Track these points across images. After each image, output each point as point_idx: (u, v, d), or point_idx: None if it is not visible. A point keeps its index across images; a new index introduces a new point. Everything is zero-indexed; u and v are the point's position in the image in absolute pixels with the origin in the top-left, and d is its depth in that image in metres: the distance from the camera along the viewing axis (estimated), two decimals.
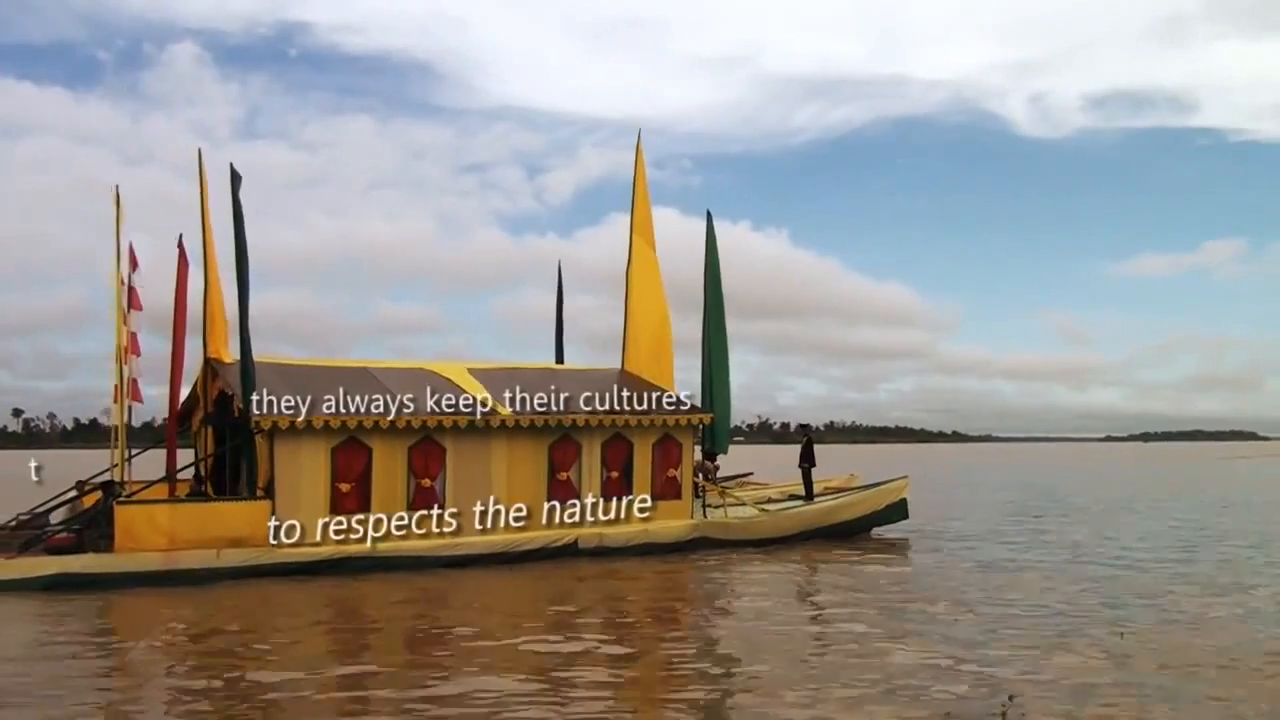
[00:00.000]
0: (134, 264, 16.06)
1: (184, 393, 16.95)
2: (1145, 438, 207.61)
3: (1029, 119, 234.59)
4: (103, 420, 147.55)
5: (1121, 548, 17.15)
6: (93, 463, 18.52)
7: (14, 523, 17.28)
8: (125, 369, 15.79)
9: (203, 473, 16.64)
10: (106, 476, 17.44)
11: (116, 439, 16.31)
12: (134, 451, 17.16)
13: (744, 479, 21.88)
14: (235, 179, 14.41)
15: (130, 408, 16.10)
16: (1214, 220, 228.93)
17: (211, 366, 16.01)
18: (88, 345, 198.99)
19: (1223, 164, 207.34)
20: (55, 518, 17.02)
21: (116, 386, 16.39)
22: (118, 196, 16.08)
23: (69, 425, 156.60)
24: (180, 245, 17.02)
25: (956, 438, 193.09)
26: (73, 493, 17.18)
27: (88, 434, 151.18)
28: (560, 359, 20.36)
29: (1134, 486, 38.42)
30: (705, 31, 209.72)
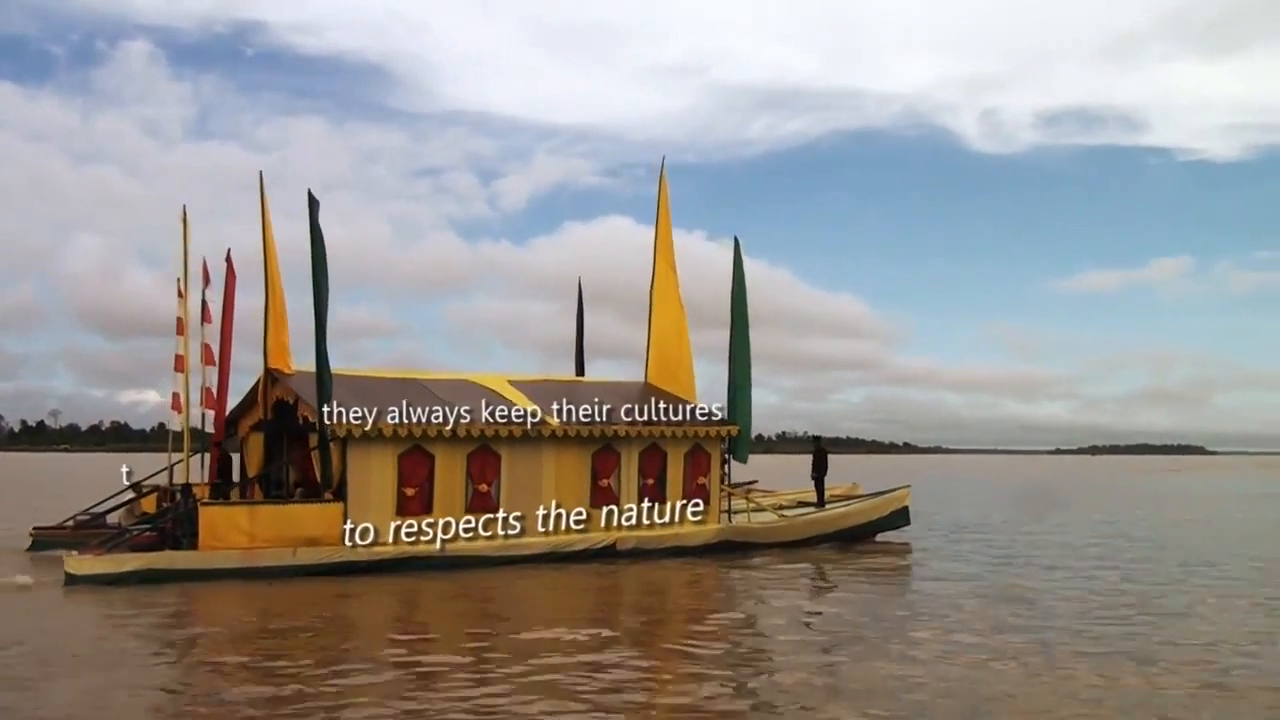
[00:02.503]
0: (206, 279, 17.00)
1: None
2: (1093, 451, 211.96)
3: (981, 134, 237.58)
4: (49, 422, 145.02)
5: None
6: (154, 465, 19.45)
7: (72, 523, 18.14)
8: (197, 378, 16.71)
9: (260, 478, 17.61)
10: (159, 479, 18.37)
11: (179, 444, 17.20)
12: (178, 457, 18.04)
13: (749, 486, 23.17)
14: (313, 204, 15.40)
15: (202, 414, 16.98)
16: (1162, 237, 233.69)
17: (272, 375, 16.98)
18: (37, 345, 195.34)
19: (1172, 183, 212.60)
20: (112, 519, 17.92)
21: (176, 394, 17.30)
22: (185, 215, 17.01)
23: (16, 427, 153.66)
24: (229, 259, 18.00)
25: (907, 449, 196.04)
26: (129, 494, 18.06)
27: (35, 435, 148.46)
28: (581, 371, 21.60)
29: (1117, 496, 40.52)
30: (661, 40, 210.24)
